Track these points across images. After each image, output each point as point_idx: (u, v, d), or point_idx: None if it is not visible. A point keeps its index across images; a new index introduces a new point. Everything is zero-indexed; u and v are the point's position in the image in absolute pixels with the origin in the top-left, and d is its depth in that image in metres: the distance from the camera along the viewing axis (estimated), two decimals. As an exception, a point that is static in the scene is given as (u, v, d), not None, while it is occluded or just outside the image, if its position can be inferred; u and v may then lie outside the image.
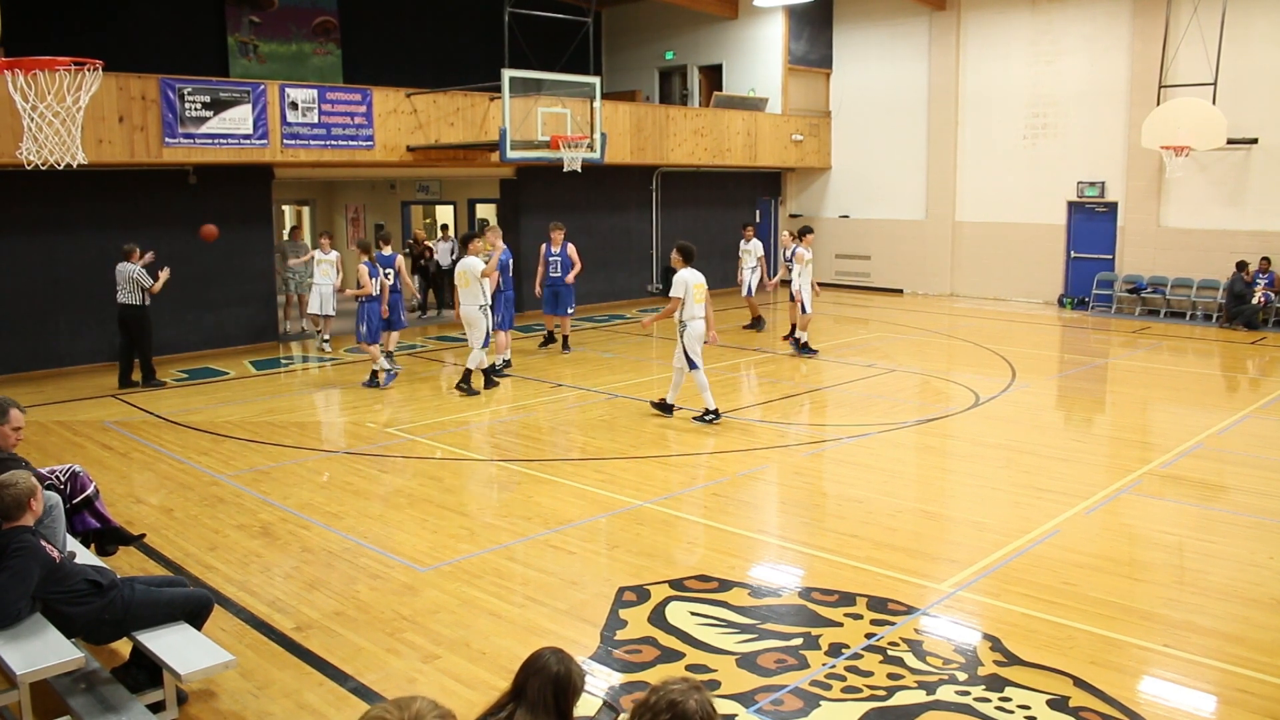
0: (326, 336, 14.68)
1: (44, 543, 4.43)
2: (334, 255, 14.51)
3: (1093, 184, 18.57)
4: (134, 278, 11.81)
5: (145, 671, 4.64)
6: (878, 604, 5.73)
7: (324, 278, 14.50)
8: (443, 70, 17.84)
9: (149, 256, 12.10)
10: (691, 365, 9.82)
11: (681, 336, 9.78)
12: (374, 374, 12.01)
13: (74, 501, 5.80)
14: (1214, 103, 16.02)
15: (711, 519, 7.22)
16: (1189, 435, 9.52)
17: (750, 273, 16.07)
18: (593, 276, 17.86)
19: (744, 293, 16.26)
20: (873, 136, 21.45)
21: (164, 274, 11.93)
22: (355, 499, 7.75)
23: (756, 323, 16.09)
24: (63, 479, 5.77)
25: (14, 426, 5.25)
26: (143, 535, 6.65)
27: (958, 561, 6.38)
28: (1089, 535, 6.85)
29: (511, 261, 12.94)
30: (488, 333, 11.44)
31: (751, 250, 16.06)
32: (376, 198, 21.56)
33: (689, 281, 9.65)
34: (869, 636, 5.32)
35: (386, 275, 12.24)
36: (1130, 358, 14.12)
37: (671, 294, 9.76)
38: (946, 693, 4.73)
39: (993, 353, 14.05)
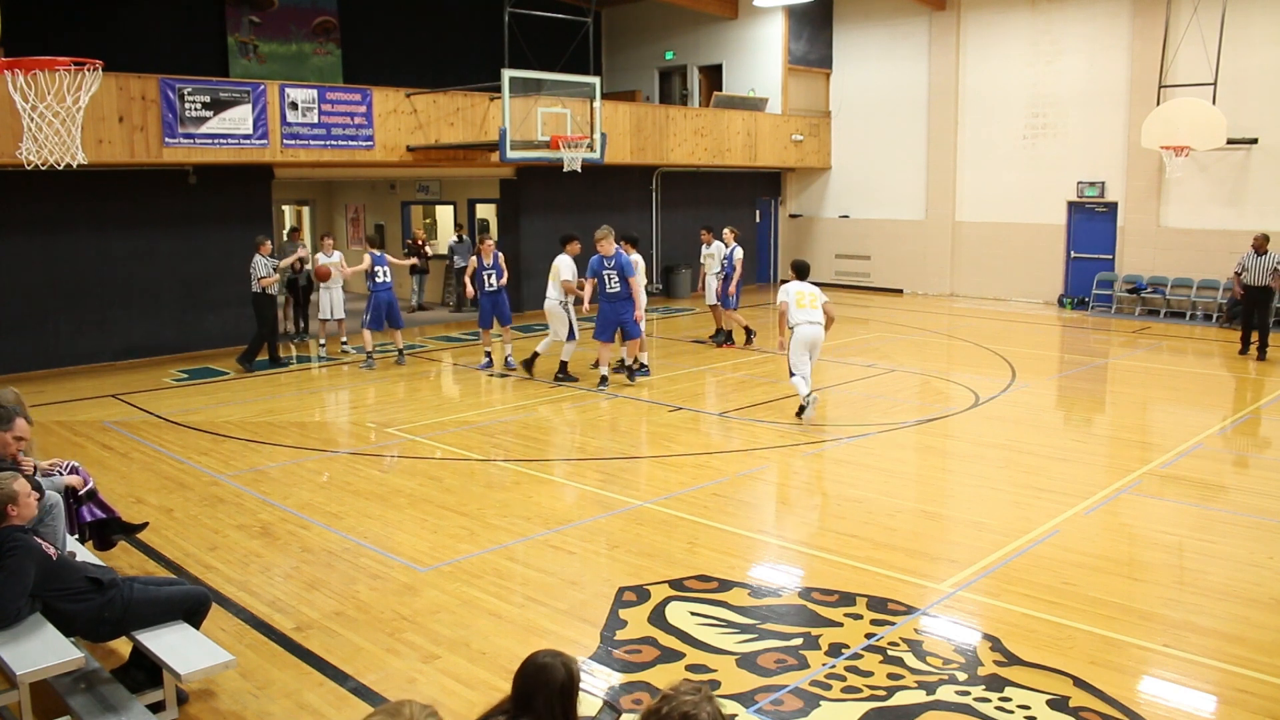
0: (344, 338, 14.59)
1: (40, 541, 4.42)
2: (337, 256, 14.24)
3: (1093, 184, 18.57)
4: (252, 268, 12.68)
5: (145, 672, 4.64)
6: (878, 604, 5.73)
7: (332, 280, 14.14)
8: (443, 70, 17.84)
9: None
10: (790, 372, 10.03)
11: (790, 340, 10.01)
12: (369, 355, 13.31)
13: (79, 494, 5.84)
14: (1214, 103, 16.01)
15: (711, 519, 7.21)
16: (1189, 435, 9.52)
17: (714, 278, 14.54)
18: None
19: (709, 300, 14.78)
20: (873, 136, 21.45)
21: (273, 279, 12.93)
22: (355, 499, 7.75)
23: (723, 335, 14.79)
24: (64, 474, 5.79)
25: (16, 435, 5.22)
26: (145, 524, 6.67)
27: (958, 561, 6.38)
28: (1089, 535, 6.85)
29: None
30: (572, 326, 12.02)
31: (715, 254, 14.53)
32: (376, 198, 21.56)
33: (790, 290, 10.07)
34: (869, 636, 5.32)
35: (384, 272, 13.20)
36: (1130, 358, 14.12)
37: (778, 300, 10.22)
38: (946, 693, 4.73)
39: (992, 353, 14.05)
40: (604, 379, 11.73)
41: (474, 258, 12.88)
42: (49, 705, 4.46)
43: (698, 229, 15.74)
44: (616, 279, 11.54)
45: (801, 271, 10.43)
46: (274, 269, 12.95)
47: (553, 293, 12.08)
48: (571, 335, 12.12)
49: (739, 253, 14.34)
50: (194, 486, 8.10)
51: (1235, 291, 14.26)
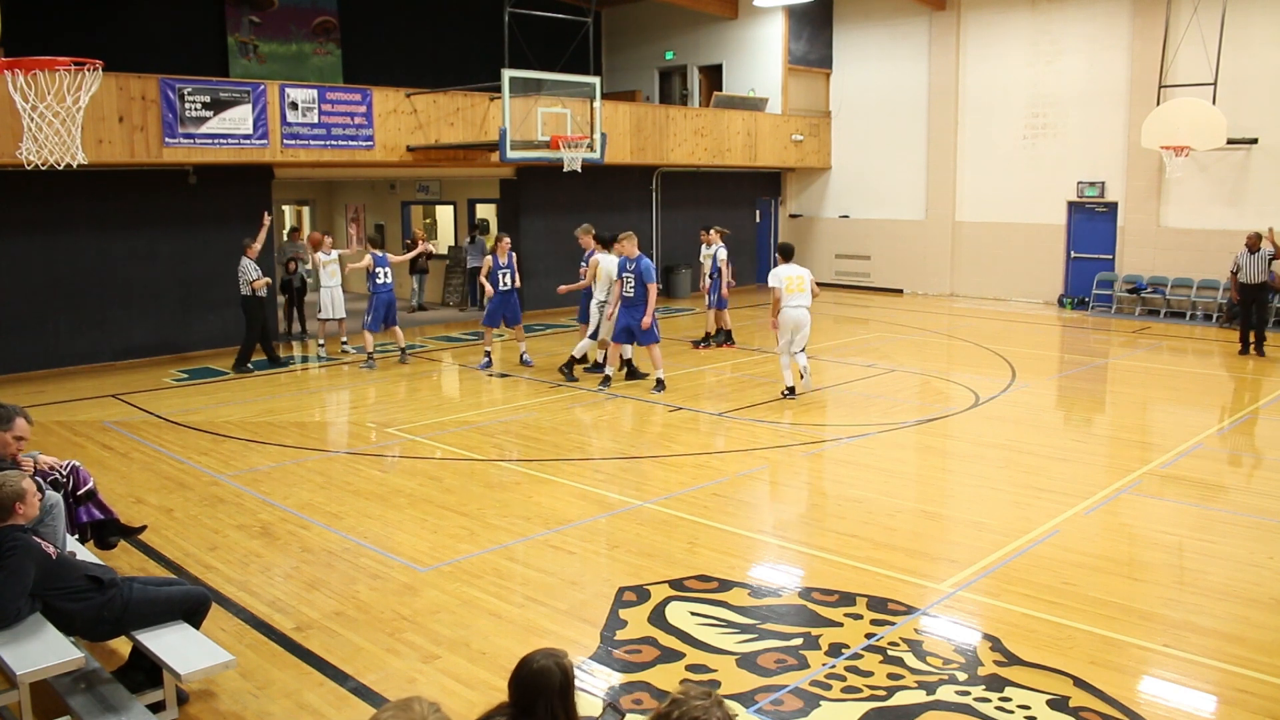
0: (344, 339, 14.55)
1: (39, 540, 4.42)
2: (335, 255, 14.22)
3: (1093, 184, 18.57)
4: (240, 271, 12.62)
5: (144, 672, 4.64)
6: (878, 604, 5.73)
7: (331, 279, 14.01)
8: (443, 70, 17.84)
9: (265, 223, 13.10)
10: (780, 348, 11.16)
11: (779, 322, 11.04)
12: (370, 356, 13.30)
13: (78, 494, 5.83)
14: (1214, 103, 16.01)
15: (711, 519, 7.21)
16: (1189, 435, 9.52)
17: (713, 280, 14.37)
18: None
19: (709, 304, 14.56)
20: (873, 136, 21.45)
21: (263, 281, 12.86)
22: (355, 499, 7.75)
23: (723, 335, 14.58)
24: (64, 474, 5.80)
25: (16, 435, 5.21)
26: (144, 527, 6.67)
27: (958, 561, 6.38)
28: (1089, 535, 6.85)
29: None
30: (598, 325, 12.17)
31: (715, 255, 14.34)
32: (376, 198, 21.57)
33: (780, 274, 10.96)
34: (869, 636, 5.32)
35: (385, 273, 13.20)
36: (1130, 358, 14.12)
37: (770, 285, 11.15)
38: (946, 693, 4.73)
39: (993, 353, 14.05)
40: (606, 379, 11.69)
41: (489, 257, 12.90)
42: (49, 705, 4.46)
43: (698, 229, 15.72)
44: (633, 283, 11.36)
45: (787, 254, 11.29)
46: (259, 271, 12.77)
47: (598, 292, 12.17)
48: (594, 335, 12.20)
49: (722, 252, 14.22)
50: (194, 486, 8.10)
51: (1232, 294, 14.35)
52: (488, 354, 13.19)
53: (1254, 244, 13.80)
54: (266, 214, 13.11)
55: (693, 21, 22.05)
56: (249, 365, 13.08)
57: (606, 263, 12.01)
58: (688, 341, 14.90)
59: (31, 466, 5.37)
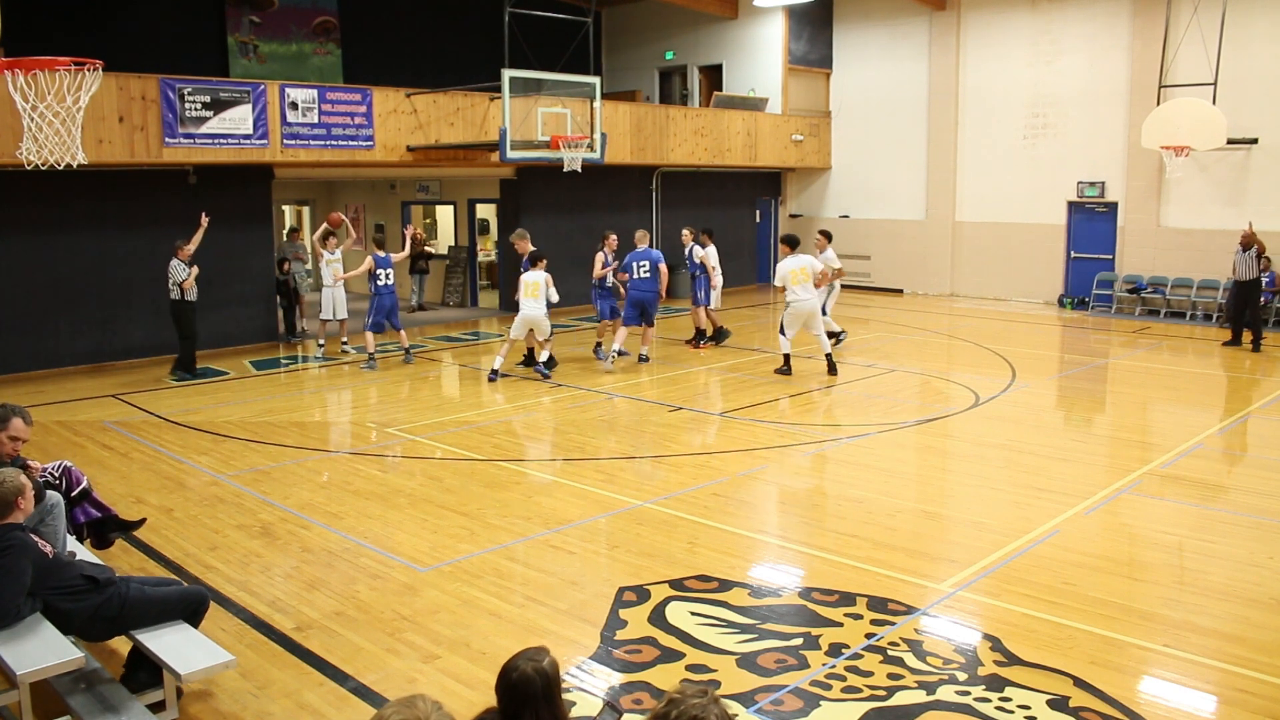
0: (345, 339, 14.47)
1: (36, 538, 4.42)
2: (339, 254, 14.14)
3: (1093, 184, 18.57)
4: (170, 273, 12.27)
5: (145, 672, 4.64)
6: (878, 604, 5.73)
7: (333, 279, 13.97)
8: (443, 70, 17.84)
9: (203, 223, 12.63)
10: (781, 330, 12.11)
11: (785, 309, 12.02)
12: (371, 356, 13.27)
13: (72, 495, 5.82)
14: (1214, 103, 16.01)
15: (711, 519, 7.21)
16: (1189, 435, 9.51)
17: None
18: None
19: (707, 303, 14.56)
20: (873, 136, 21.45)
21: (193, 270, 12.38)
22: (355, 499, 7.75)
23: (718, 334, 14.75)
24: (56, 475, 5.78)
25: (11, 435, 5.20)
26: (143, 520, 6.66)
27: (958, 561, 6.38)
28: (1089, 535, 6.85)
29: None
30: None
31: (707, 256, 14.34)
32: (376, 198, 21.56)
33: (783, 271, 11.82)
34: (869, 636, 5.32)
35: (387, 274, 13.14)
36: (1130, 358, 14.12)
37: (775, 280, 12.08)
38: (946, 693, 4.73)
39: (993, 353, 14.05)
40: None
41: (600, 254, 13.21)
42: (49, 705, 4.46)
43: (697, 230, 15.72)
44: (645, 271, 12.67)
45: (792, 244, 12.05)
46: (188, 271, 12.32)
47: (808, 293, 12.15)
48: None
49: (698, 251, 14.37)
50: (194, 486, 8.10)
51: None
52: (599, 345, 13.50)
53: (1246, 242, 14.23)
54: (204, 215, 12.59)
55: (693, 21, 22.05)
56: (195, 371, 12.65)
57: (809, 262, 12.24)
58: (685, 342, 14.92)
59: (38, 469, 5.37)
